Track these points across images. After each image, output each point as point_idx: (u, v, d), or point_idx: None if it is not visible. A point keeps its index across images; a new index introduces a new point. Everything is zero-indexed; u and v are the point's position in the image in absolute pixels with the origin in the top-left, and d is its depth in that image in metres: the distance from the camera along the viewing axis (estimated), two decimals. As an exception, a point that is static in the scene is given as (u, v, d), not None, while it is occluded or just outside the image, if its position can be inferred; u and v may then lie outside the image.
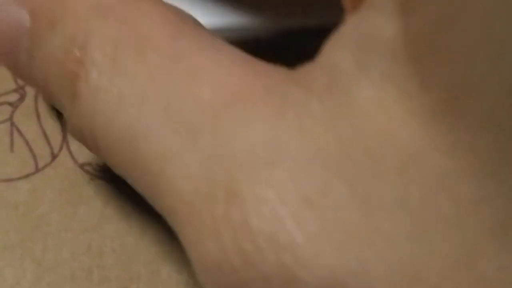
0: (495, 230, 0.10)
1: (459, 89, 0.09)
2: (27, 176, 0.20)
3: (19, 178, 0.20)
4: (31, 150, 0.21)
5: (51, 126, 0.21)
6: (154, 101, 0.12)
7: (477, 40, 0.09)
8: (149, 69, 0.12)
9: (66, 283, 0.18)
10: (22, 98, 0.22)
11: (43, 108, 0.22)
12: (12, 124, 0.21)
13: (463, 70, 0.09)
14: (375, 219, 0.10)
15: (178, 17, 0.13)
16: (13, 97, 0.22)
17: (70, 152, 0.21)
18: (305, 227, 0.10)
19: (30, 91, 0.21)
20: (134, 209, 0.20)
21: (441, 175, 0.10)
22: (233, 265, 0.11)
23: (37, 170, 0.20)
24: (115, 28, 0.13)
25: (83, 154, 0.21)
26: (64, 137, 0.21)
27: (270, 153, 0.11)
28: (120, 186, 0.20)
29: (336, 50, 0.11)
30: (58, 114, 0.21)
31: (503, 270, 0.10)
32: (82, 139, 0.14)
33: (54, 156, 0.21)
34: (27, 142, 0.21)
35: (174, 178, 0.12)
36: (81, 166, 0.21)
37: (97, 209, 0.20)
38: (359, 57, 0.11)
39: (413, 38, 0.10)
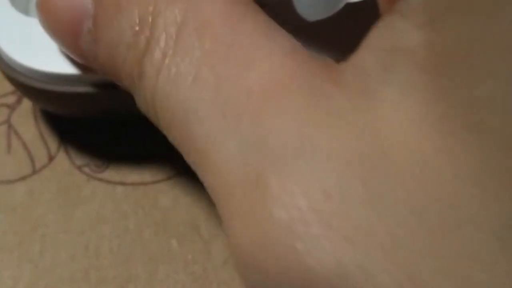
0: (492, 238, 0.10)
1: (472, 104, 0.10)
2: (24, 177, 0.20)
3: (16, 180, 0.20)
4: (28, 151, 0.21)
5: (48, 127, 0.21)
6: (207, 83, 0.13)
7: (494, 62, 0.09)
8: (206, 52, 0.13)
9: (63, 285, 0.18)
10: (19, 100, 0.22)
11: (40, 110, 0.22)
12: (10, 126, 0.21)
13: (479, 87, 0.10)
14: (383, 218, 0.11)
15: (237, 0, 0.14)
16: (11, 99, 0.22)
17: (67, 154, 0.21)
18: (321, 219, 0.11)
19: (27, 93, 0.21)
20: (131, 209, 0.20)
21: (443, 182, 0.10)
22: (252, 249, 0.12)
23: (34, 171, 0.20)
24: (179, 10, 0.14)
25: (80, 156, 0.21)
26: (61, 139, 0.21)
27: (297, 146, 0.11)
28: (117, 187, 0.20)
29: (366, 52, 0.12)
30: (54, 118, 0.21)
31: (497, 278, 0.10)
32: (147, 113, 0.15)
33: (51, 158, 0.21)
34: (24, 144, 0.21)
35: (216, 159, 0.13)
36: (78, 167, 0.21)
37: (94, 210, 0.20)
38: (385, 61, 0.11)
39: (436, 51, 0.10)
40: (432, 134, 0.10)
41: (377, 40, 0.11)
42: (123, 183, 0.20)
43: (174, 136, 0.14)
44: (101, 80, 0.18)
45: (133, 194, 0.20)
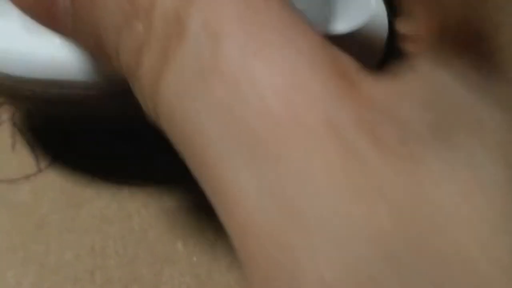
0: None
1: None
2: (28, 176, 0.20)
3: (20, 179, 0.20)
4: (32, 150, 0.21)
5: (53, 126, 0.21)
6: (217, 98, 0.11)
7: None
8: (217, 59, 0.11)
9: (68, 285, 0.19)
10: (23, 98, 0.22)
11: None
12: (14, 124, 0.21)
13: None
14: None
15: None
16: (14, 97, 0.22)
17: (72, 153, 0.21)
18: None
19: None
20: (136, 209, 0.20)
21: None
22: None
23: (39, 170, 0.20)
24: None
25: (85, 155, 0.21)
26: (66, 137, 0.21)
27: (322, 216, 0.10)
28: (122, 187, 0.20)
29: (407, 105, 0.10)
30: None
31: None
32: (146, 112, 0.13)
33: (55, 157, 0.21)
34: (28, 142, 0.21)
35: (229, 193, 0.11)
36: (83, 166, 0.21)
37: (99, 210, 0.20)
38: (435, 124, 0.09)
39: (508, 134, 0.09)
40: (481, 239, 0.09)
41: (416, 90, 0.10)
42: (128, 183, 0.20)
43: (180, 149, 0.12)
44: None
45: (138, 194, 0.20)
